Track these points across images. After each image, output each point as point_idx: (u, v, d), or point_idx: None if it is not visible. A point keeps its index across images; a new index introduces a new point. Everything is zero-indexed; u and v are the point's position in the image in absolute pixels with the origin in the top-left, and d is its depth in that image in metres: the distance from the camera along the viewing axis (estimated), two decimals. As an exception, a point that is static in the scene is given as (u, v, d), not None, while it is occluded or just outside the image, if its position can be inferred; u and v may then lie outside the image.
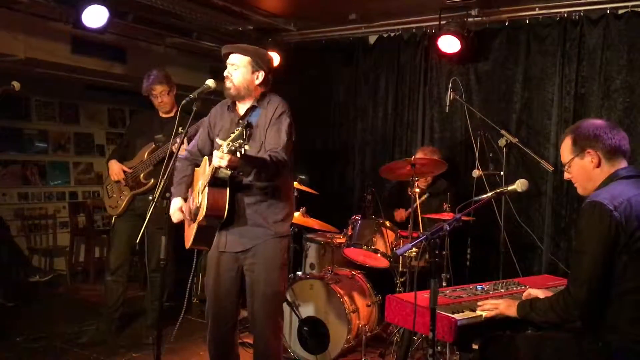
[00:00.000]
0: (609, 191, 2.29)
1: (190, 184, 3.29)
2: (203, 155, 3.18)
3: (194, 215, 3.10)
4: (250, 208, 3.05)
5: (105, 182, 4.58)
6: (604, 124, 2.43)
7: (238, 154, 2.58)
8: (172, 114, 4.42)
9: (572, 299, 2.25)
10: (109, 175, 4.45)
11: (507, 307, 2.51)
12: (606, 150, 2.38)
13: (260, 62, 3.10)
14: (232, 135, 2.59)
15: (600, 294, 2.24)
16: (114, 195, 4.44)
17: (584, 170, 2.44)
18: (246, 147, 2.58)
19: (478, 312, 2.53)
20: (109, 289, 4.42)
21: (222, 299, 3.18)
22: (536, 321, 2.42)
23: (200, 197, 2.99)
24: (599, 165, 2.39)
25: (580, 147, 2.43)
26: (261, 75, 3.10)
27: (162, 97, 4.34)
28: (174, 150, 3.96)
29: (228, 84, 3.05)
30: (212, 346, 3.28)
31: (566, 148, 2.48)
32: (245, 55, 3.06)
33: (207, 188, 2.90)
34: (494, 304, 2.57)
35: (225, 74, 3.07)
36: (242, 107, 3.15)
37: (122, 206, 4.37)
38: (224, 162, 2.67)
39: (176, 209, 3.21)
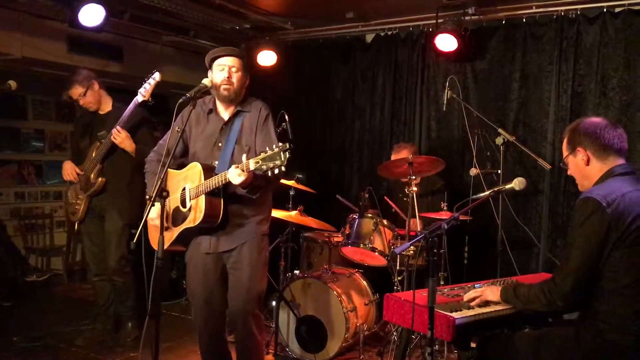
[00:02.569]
0: (604, 188, 2.33)
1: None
2: (171, 156, 2.97)
3: (174, 220, 3.08)
4: (237, 210, 3.06)
5: (67, 189, 4.41)
6: (600, 123, 2.46)
7: (269, 174, 2.60)
8: (109, 109, 4.29)
9: (557, 289, 2.30)
10: (63, 178, 4.31)
11: (490, 293, 2.57)
12: (596, 149, 2.42)
13: (248, 66, 3.15)
14: (264, 155, 2.59)
15: (585, 287, 2.28)
16: (72, 202, 4.31)
17: (577, 168, 2.50)
18: (283, 169, 2.58)
19: (477, 311, 2.53)
20: (97, 287, 4.44)
21: (211, 299, 3.17)
22: (518, 307, 2.47)
23: (190, 203, 2.99)
24: (588, 163, 2.44)
25: (572, 145, 2.49)
26: (248, 78, 3.15)
27: (82, 99, 4.17)
28: (114, 140, 3.98)
29: (226, 85, 3.03)
30: (205, 349, 3.27)
31: (564, 145, 2.56)
32: (241, 58, 3.08)
33: (204, 196, 2.90)
34: (478, 291, 2.62)
35: (224, 75, 3.03)
36: (224, 112, 3.15)
37: (81, 211, 4.24)
38: (239, 180, 2.71)
39: (157, 215, 2.93)
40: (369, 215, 4.27)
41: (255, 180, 2.82)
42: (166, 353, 4.10)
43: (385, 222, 4.22)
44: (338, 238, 4.46)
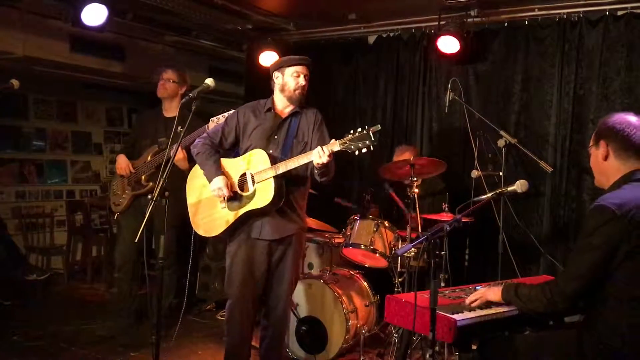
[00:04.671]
0: (620, 196, 2.25)
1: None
2: (221, 145, 3.44)
3: (232, 204, 3.28)
4: (290, 200, 3.30)
5: (112, 179, 4.61)
6: (633, 121, 2.37)
7: (356, 153, 2.86)
8: (175, 114, 4.41)
9: (559, 290, 2.27)
10: (116, 170, 4.48)
11: (491, 293, 2.58)
12: (617, 146, 2.35)
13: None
14: (351, 136, 2.86)
15: (588, 292, 2.25)
16: (118, 193, 4.49)
17: (596, 161, 2.45)
18: (372, 148, 2.82)
19: (478, 313, 2.52)
20: (119, 284, 4.54)
21: (256, 285, 3.37)
22: (518, 307, 2.45)
23: (255, 186, 3.20)
24: (606, 158, 2.38)
25: (597, 137, 2.43)
26: None
27: (167, 83, 4.40)
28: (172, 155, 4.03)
29: (301, 91, 3.34)
30: (237, 342, 3.40)
31: (592, 135, 2.49)
32: (311, 69, 3.37)
33: (272, 179, 3.12)
34: (480, 292, 2.62)
35: (302, 82, 3.33)
36: (282, 110, 3.43)
37: (124, 204, 4.42)
38: (323, 160, 2.97)
39: (225, 184, 3.25)
40: (370, 216, 4.27)
41: (333, 164, 3.14)
42: (166, 353, 4.09)
43: (386, 223, 4.22)
44: (339, 239, 4.46)
